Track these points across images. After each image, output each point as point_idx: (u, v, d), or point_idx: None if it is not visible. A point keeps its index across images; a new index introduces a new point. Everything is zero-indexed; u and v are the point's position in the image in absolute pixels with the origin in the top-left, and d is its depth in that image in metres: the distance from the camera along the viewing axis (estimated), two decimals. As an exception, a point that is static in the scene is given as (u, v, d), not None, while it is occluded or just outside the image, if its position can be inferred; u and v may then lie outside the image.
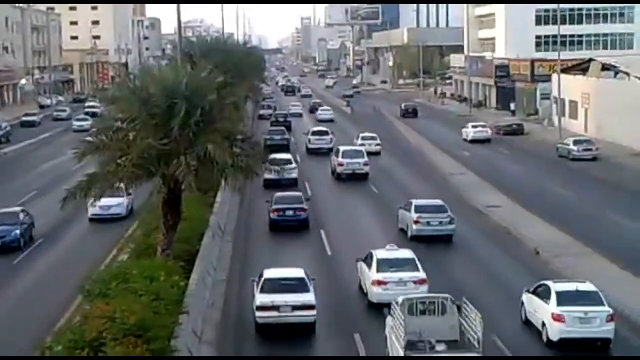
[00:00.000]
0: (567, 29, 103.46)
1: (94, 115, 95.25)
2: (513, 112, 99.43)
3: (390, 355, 22.64)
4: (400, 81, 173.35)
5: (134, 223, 38.76)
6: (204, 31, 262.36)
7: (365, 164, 54.76)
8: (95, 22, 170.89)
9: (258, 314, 25.65)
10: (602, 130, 73.58)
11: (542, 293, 25.74)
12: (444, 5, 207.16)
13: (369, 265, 29.10)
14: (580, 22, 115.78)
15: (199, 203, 35.93)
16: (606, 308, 24.67)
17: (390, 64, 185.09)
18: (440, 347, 21.72)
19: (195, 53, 66.42)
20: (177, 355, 19.20)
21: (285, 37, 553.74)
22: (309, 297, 25.76)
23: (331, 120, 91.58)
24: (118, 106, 27.68)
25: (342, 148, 56.89)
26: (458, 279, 31.80)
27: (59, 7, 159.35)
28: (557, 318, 24.41)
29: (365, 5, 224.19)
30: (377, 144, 66.69)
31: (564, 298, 24.88)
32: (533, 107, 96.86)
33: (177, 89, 26.38)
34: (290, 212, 40.28)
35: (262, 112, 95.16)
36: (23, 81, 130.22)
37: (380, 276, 28.15)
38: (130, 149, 25.93)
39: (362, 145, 62.53)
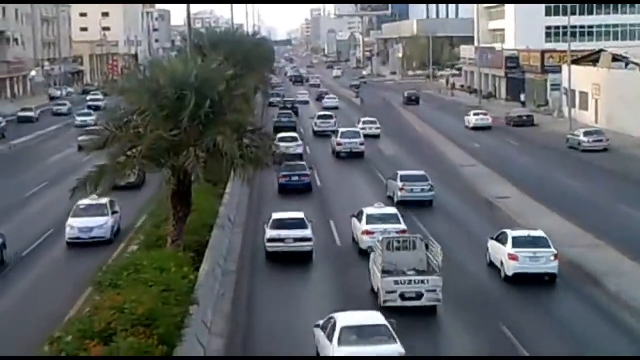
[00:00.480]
0: (577, 20, 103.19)
1: (97, 109, 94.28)
2: (523, 104, 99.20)
3: (372, 280, 28.56)
4: (410, 72, 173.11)
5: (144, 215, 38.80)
6: (214, 23, 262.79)
7: (362, 144, 59.96)
8: (105, 14, 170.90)
9: (268, 244, 32.88)
10: (612, 121, 73.35)
11: (502, 239, 31.34)
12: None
13: (360, 220, 34.89)
14: (590, 13, 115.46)
15: (209, 194, 36.03)
16: (552, 250, 30.34)
17: (400, 55, 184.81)
18: (410, 273, 27.57)
19: (205, 45, 66.41)
20: (175, 356, 19.19)
21: (295, 28, 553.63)
22: (307, 233, 33.15)
23: (336, 108, 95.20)
24: (128, 98, 27.73)
25: (341, 130, 62.82)
26: (470, 270, 31.77)
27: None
28: (512, 257, 30.08)
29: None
30: (377, 128, 71.76)
31: (518, 242, 30.57)
32: (543, 98, 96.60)
33: (187, 80, 26.41)
34: (296, 178, 47.17)
35: (272, 99, 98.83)
36: (33, 73, 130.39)
37: (369, 227, 33.70)
38: (140, 140, 25.98)
39: (363, 129, 67.23)
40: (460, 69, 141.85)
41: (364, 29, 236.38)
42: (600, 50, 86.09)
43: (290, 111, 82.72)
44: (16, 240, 37.64)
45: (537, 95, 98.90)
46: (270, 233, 33.17)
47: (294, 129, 69.30)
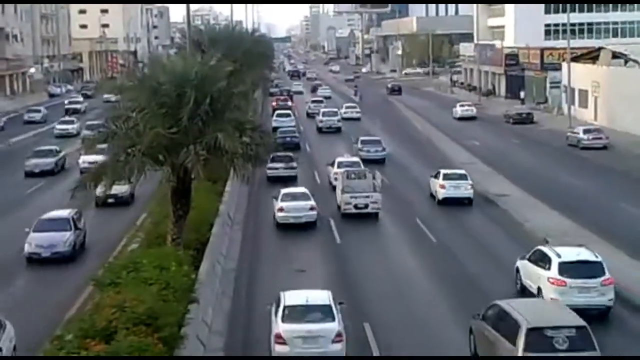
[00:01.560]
0: (576, 17, 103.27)
1: (75, 112, 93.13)
2: (523, 101, 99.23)
3: (338, 198, 42.03)
4: (410, 70, 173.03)
5: (142, 214, 38.80)
6: (213, 19, 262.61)
7: (338, 121, 76.89)
8: (104, 11, 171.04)
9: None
10: (612, 119, 73.38)
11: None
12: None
13: (332, 165, 48.18)
14: (590, 10, 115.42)
15: (209, 192, 36.03)
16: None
17: (400, 52, 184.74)
18: (359, 191, 40.56)
19: (204, 42, 66.41)
20: (177, 356, 19.19)
21: (294, 25, 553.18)
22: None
23: (329, 98, 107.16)
24: (127, 95, 27.70)
25: (322, 110, 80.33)
26: (469, 269, 31.80)
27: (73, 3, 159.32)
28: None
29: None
30: (357, 112, 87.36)
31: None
32: (543, 95, 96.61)
33: (187, 78, 26.39)
34: (289, 138, 61.72)
35: (272, 90, 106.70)
36: (32, 70, 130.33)
37: (339, 170, 44.18)
38: (139, 138, 25.94)
39: (345, 112, 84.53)
40: (459, 67, 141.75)
41: (363, 26, 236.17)
42: (600, 48, 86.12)
43: (287, 96, 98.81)
44: (17, 238, 37.68)
45: (536, 92, 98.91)
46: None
47: (289, 108, 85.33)
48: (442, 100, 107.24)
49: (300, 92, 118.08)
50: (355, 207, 40.39)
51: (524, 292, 27.72)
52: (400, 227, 39.31)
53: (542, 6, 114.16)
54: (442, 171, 44.92)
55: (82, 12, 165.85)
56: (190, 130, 26.12)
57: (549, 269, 26.53)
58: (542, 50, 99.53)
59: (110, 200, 39.74)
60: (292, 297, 23.12)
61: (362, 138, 60.21)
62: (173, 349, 18.84)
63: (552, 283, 26.04)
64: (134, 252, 27.25)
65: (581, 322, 20.53)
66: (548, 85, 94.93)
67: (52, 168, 54.71)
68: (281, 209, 38.73)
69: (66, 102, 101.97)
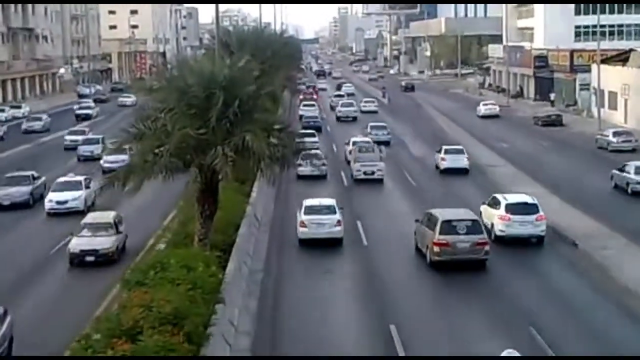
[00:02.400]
0: (606, 19, 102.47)
1: (86, 118, 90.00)
2: (552, 103, 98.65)
3: (351, 168, 52.33)
4: (438, 71, 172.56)
5: (172, 213, 38.90)
6: (241, 21, 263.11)
7: (355, 112, 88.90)
8: (134, 12, 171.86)
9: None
10: (642, 121, 72.82)
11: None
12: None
13: (349, 144, 57.01)
14: (620, 12, 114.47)
15: (236, 193, 36.09)
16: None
17: (428, 53, 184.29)
18: (367, 160, 50.87)
19: (232, 43, 66.55)
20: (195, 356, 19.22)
21: (322, 26, 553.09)
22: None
23: (353, 94, 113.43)
24: (156, 96, 27.79)
25: (340, 101, 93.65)
26: (494, 269, 31.64)
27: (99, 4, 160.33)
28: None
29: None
30: (375, 105, 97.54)
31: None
32: (572, 98, 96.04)
33: (215, 79, 26.45)
34: (312, 122, 76.61)
35: (300, 87, 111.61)
36: (62, 70, 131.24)
37: (355, 148, 53.77)
38: (167, 138, 26.02)
39: (364, 106, 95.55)
40: (488, 68, 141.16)
41: (391, 27, 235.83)
42: (630, 50, 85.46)
43: (312, 91, 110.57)
44: (44, 239, 37.96)
45: (565, 94, 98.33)
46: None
47: (314, 100, 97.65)
48: (470, 102, 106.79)
49: (324, 89, 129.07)
50: (365, 173, 50.49)
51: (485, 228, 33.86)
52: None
53: (572, 8, 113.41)
54: (444, 147, 55.66)
55: (112, 12, 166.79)
56: (218, 131, 26.17)
57: (498, 209, 35.91)
58: (572, 52, 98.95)
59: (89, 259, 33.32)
60: (310, 201, 36.83)
61: (370, 124, 71.03)
62: (199, 348, 18.86)
63: (501, 219, 35.38)
64: (161, 252, 27.32)
65: (475, 217, 32.98)
66: (577, 87, 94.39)
67: (26, 199, 45.17)
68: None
69: (76, 107, 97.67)
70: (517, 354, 19.04)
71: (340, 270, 32.41)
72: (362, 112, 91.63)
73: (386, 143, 64.65)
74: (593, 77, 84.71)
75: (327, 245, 34.99)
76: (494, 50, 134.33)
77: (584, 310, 27.37)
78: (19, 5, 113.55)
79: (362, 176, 50.28)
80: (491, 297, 28.53)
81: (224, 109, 25.91)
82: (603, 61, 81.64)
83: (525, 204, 35.94)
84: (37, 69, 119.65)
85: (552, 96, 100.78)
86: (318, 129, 71.93)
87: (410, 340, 24.29)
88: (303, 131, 56.43)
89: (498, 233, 35.37)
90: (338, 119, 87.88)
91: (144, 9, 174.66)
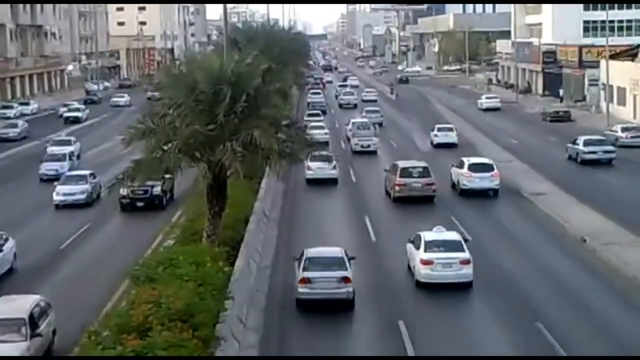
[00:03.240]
0: (615, 14, 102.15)
1: (75, 121, 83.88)
2: (561, 99, 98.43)
3: (350, 142, 62.92)
4: (446, 67, 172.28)
5: (178, 211, 38.96)
6: (249, 17, 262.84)
7: (355, 100, 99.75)
8: (142, 8, 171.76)
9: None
10: (651, 117, 72.62)
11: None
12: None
13: (348, 125, 67.16)
14: (629, 7, 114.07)
15: (244, 189, 36.09)
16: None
17: (436, 49, 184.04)
18: (364, 136, 61.93)
19: (240, 39, 66.59)
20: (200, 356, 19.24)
21: (330, 22, 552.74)
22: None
23: (357, 86, 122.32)
24: (164, 92, 27.83)
25: (342, 90, 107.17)
26: (504, 265, 31.62)
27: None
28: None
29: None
30: (375, 95, 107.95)
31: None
32: (581, 93, 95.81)
33: (223, 75, 26.48)
34: (318, 107, 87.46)
35: (308, 79, 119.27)
36: (70, 67, 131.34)
37: (350, 126, 65.72)
38: (176, 135, 26.05)
39: (365, 95, 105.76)
40: (496, 64, 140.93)
41: (399, 23, 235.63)
42: (639, 45, 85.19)
43: (320, 82, 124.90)
44: (53, 234, 38.07)
45: (574, 90, 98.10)
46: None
47: (320, 89, 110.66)
48: (477, 98, 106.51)
49: (330, 82, 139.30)
50: (362, 146, 60.64)
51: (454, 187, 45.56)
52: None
53: (580, 3, 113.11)
54: (437, 125, 66.66)
55: (120, 9, 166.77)
56: (226, 127, 26.19)
57: (463, 168, 44.68)
58: (580, 47, 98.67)
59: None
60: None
61: (366, 108, 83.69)
62: (208, 345, 18.89)
63: (464, 176, 44.18)
64: (169, 248, 27.36)
65: (425, 164, 44.34)
66: (586, 82, 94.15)
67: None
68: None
69: (62, 109, 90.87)
70: (443, 230, 30.62)
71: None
72: (363, 100, 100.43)
73: (379, 124, 74.89)
74: (602, 73, 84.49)
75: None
76: (502, 46, 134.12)
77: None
78: (28, 3, 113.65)
79: (360, 148, 60.81)
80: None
81: (232, 105, 25.94)
82: (612, 57, 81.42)
83: (484, 164, 45.23)
84: (45, 66, 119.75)
85: (561, 92, 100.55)
86: (323, 112, 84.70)
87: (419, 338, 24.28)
88: (310, 112, 77.49)
89: (462, 187, 44.51)
90: (340, 106, 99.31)
91: (152, 5, 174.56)
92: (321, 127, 62.60)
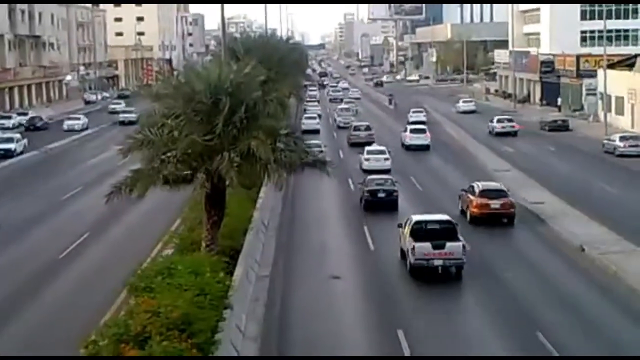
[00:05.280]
0: (613, 24, 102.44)
1: (6, 155, 65.48)
2: (559, 108, 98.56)
3: (336, 119, 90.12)
4: (444, 76, 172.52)
5: (177, 220, 38.95)
6: (247, 27, 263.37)
7: (342, 96, 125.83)
8: (140, 19, 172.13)
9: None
10: (648, 126, 72.68)
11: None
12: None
13: (336, 111, 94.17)
14: (626, 17, 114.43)
15: (243, 199, 36.08)
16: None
17: (434, 59, 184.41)
18: (346, 115, 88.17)
19: (239, 49, 66.63)
20: (217, 356, 19.24)
21: (328, 32, 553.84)
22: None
23: (347, 89, 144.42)
24: (163, 102, 27.84)
25: (331, 89, 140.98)
26: (502, 274, 31.61)
27: (103, 4, 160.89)
28: None
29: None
30: (359, 94, 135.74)
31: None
32: (579, 102, 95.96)
33: (222, 85, 26.49)
34: (313, 99, 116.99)
35: (305, 82, 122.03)
36: (69, 77, 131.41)
37: (337, 114, 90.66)
38: (174, 145, 26.06)
39: (351, 94, 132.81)
40: (494, 74, 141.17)
41: (397, 33, 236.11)
42: (636, 55, 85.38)
43: (317, 84, 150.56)
44: (52, 243, 38.05)
45: (572, 99, 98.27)
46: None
47: (316, 88, 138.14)
48: (482, 109, 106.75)
49: (326, 85, 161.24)
50: (344, 123, 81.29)
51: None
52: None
53: (577, 13, 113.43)
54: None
55: (118, 20, 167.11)
56: (225, 137, 26.21)
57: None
58: (578, 57, 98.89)
59: None
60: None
61: (346, 99, 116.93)
62: (207, 354, 18.86)
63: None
64: (168, 258, 27.33)
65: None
66: (584, 92, 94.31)
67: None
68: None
69: (21, 118, 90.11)
70: (383, 148, 49.30)
71: (347, 277, 32.37)
72: (350, 98, 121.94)
73: (355, 111, 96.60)
74: (599, 82, 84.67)
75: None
76: (500, 56, 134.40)
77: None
78: (26, 13, 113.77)
79: (342, 124, 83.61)
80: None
81: (230, 115, 25.96)
82: (609, 66, 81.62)
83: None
84: (43, 76, 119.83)
85: (559, 101, 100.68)
86: (318, 101, 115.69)
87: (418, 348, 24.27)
88: (309, 99, 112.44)
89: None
90: (329, 100, 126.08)
91: (150, 16, 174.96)
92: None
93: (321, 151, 53.38)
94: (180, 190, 28.73)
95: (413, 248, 30.85)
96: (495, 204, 39.90)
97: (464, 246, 31.14)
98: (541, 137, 77.58)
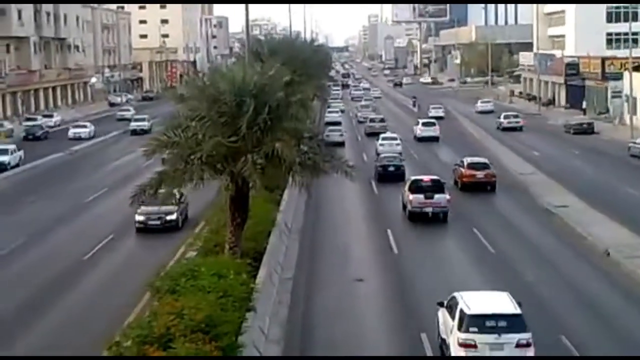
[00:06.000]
0: (638, 26, 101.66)
1: None
2: (584, 111, 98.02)
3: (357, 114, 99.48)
4: (468, 79, 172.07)
5: (201, 223, 39.02)
6: (271, 29, 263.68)
7: (362, 94, 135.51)
8: (165, 21, 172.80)
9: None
10: (675, 129, 72.13)
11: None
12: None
13: (357, 106, 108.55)
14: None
15: (266, 201, 36.09)
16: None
17: (458, 61, 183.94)
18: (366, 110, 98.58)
19: (263, 51, 66.71)
20: (240, 356, 19.23)
21: (352, 35, 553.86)
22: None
23: (368, 89, 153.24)
24: (187, 104, 27.88)
25: (353, 89, 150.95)
26: (527, 278, 31.45)
27: (128, 6, 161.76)
28: None
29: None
30: (379, 93, 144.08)
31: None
32: (604, 105, 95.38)
33: (246, 87, 26.49)
34: (337, 95, 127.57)
35: (329, 83, 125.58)
36: (93, 79, 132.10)
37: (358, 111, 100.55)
38: (198, 147, 26.09)
39: (372, 93, 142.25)
40: (518, 76, 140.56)
41: (421, 36, 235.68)
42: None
43: (340, 84, 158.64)
44: (76, 244, 38.22)
45: (597, 102, 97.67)
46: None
47: (340, 88, 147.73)
48: (501, 110, 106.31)
49: (348, 85, 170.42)
50: (364, 118, 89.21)
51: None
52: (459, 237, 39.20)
53: (603, 15, 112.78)
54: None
55: (143, 22, 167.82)
56: (249, 139, 26.20)
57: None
58: (604, 59, 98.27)
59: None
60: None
61: (365, 97, 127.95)
62: (230, 357, 18.86)
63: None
64: (192, 260, 27.39)
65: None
66: (609, 95, 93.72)
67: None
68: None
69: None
70: (395, 136, 61.09)
71: (371, 279, 32.31)
72: (371, 97, 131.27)
73: (374, 108, 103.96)
74: (625, 85, 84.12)
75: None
76: (525, 58, 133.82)
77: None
78: (51, 15, 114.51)
79: (362, 119, 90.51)
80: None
81: (255, 117, 25.94)
82: (635, 68, 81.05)
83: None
84: (68, 78, 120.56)
85: (584, 104, 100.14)
86: (341, 99, 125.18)
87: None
88: (333, 97, 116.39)
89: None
90: (351, 98, 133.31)
91: (175, 18, 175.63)
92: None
93: (341, 135, 73.95)
94: (204, 192, 28.74)
95: (410, 199, 40.74)
96: (480, 174, 49.28)
97: (448, 199, 41.08)
98: (566, 140, 77.17)
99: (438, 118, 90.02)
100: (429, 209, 40.49)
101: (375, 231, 40.14)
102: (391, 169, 52.88)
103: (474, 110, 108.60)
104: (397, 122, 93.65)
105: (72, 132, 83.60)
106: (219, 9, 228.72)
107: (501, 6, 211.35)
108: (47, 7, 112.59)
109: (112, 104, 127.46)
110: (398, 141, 65.58)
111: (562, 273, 32.55)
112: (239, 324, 20.58)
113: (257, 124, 25.96)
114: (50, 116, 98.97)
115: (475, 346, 21.13)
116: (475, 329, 21.15)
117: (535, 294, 29.68)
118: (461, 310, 21.73)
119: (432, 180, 42.03)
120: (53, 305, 29.42)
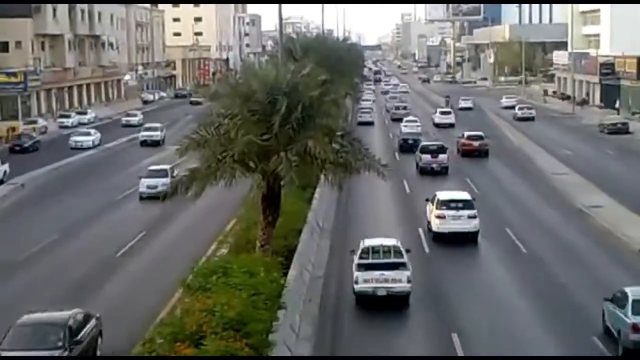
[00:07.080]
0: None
1: None
2: (618, 111, 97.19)
3: (387, 105, 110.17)
4: (502, 78, 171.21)
5: (232, 220, 39.12)
6: (304, 28, 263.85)
7: (392, 89, 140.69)
8: (198, 19, 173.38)
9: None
10: None
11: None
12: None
13: (386, 98, 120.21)
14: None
15: (298, 199, 36.13)
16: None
17: (491, 60, 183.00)
18: (397, 103, 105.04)
19: (296, 50, 66.77)
20: (270, 355, 19.26)
21: (384, 33, 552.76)
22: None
23: (397, 85, 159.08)
24: (220, 102, 27.96)
25: (383, 84, 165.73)
26: (560, 280, 31.26)
27: (162, 4, 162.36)
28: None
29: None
30: (407, 88, 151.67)
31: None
32: (639, 105, 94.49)
33: (279, 85, 26.52)
34: (371, 89, 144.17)
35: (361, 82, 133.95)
36: (127, 77, 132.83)
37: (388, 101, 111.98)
38: (231, 144, 26.14)
39: (400, 88, 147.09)
40: (552, 75, 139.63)
41: (454, 34, 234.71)
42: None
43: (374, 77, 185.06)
44: (110, 241, 38.46)
45: (632, 102, 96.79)
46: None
47: (373, 83, 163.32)
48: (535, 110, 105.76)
49: (379, 80, 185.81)
50: (394, 108, 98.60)
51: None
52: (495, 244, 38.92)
53: (639, 14, 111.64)
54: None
55: (176, 20, 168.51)
56: (281, 137, 26.21)
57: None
58: (639, 58, 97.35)
59: None
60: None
61: (392, 91, 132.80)
62: (261, 355, 18.89)
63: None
64: (223, 257, 27.47)
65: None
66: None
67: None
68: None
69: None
70: (416, 119, 78.95)
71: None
72: (399, 91, 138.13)
73: (401, 100, 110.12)
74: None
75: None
76: (559, 57, 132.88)
77: None
78: (86, 13, 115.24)
79: (389, 109, 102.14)
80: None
81: (287, 115, 25.95)
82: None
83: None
84: (102, 76, 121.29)
85: (617, 103, 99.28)
86: (373, 91, 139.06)
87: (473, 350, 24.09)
88: (366, 90, 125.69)
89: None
90: (382, 92, 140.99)
91: (208, 16, 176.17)
92: (370, 103, 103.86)
93: (371, 116, 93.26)
94: (235, 189, 28.78)
95: (420, 158, 55.56)
96: (475, 144, 63.97)
97: (448, 157, 55.77)
98: (600, 139, 76.55)
99: (467, 109, 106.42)
100: (435, 165, 54.78)
101: (406, 230, 39.82)
102: (410, 141, 66.06)
103: (499, 105, 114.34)
104: (421, 111, 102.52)
105: (73, 139, 73.67)
106: (252, 7, 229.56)
107: (535, 5, 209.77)
108: (82, 5, 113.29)
109: (145, 102, 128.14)
110: (418, 123, 79.51)
111: (595, 273, 32.31)
112: (270, 321, 20.62)
113: (290, 122, 25.97)
114: (84, 113, 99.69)
115: (444, 217, 36.55)
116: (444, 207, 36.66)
117: (567, 293, 29.52)
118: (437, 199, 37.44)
119: (437, 145, 57.31)
120: (86, 301, 29.41)
